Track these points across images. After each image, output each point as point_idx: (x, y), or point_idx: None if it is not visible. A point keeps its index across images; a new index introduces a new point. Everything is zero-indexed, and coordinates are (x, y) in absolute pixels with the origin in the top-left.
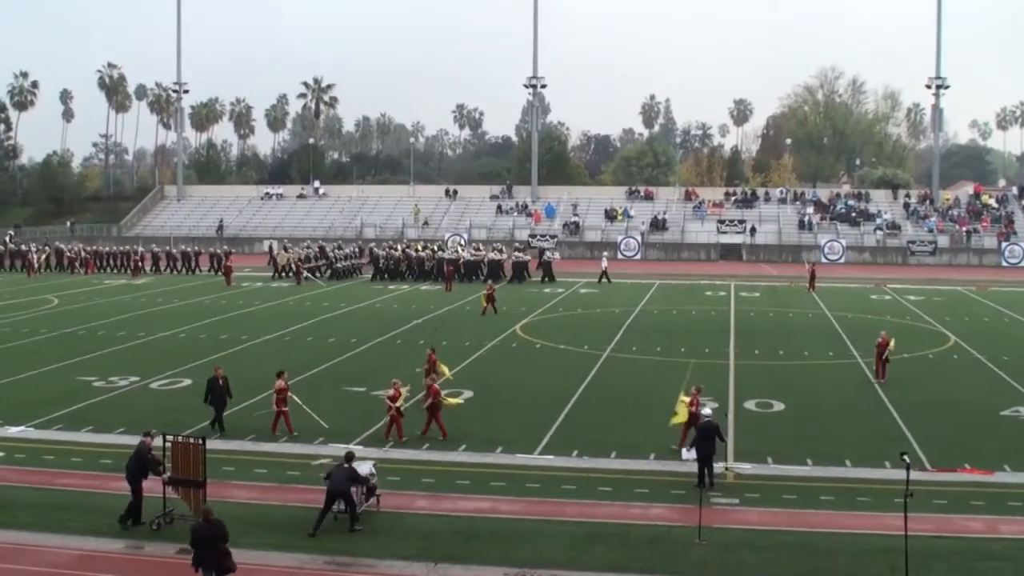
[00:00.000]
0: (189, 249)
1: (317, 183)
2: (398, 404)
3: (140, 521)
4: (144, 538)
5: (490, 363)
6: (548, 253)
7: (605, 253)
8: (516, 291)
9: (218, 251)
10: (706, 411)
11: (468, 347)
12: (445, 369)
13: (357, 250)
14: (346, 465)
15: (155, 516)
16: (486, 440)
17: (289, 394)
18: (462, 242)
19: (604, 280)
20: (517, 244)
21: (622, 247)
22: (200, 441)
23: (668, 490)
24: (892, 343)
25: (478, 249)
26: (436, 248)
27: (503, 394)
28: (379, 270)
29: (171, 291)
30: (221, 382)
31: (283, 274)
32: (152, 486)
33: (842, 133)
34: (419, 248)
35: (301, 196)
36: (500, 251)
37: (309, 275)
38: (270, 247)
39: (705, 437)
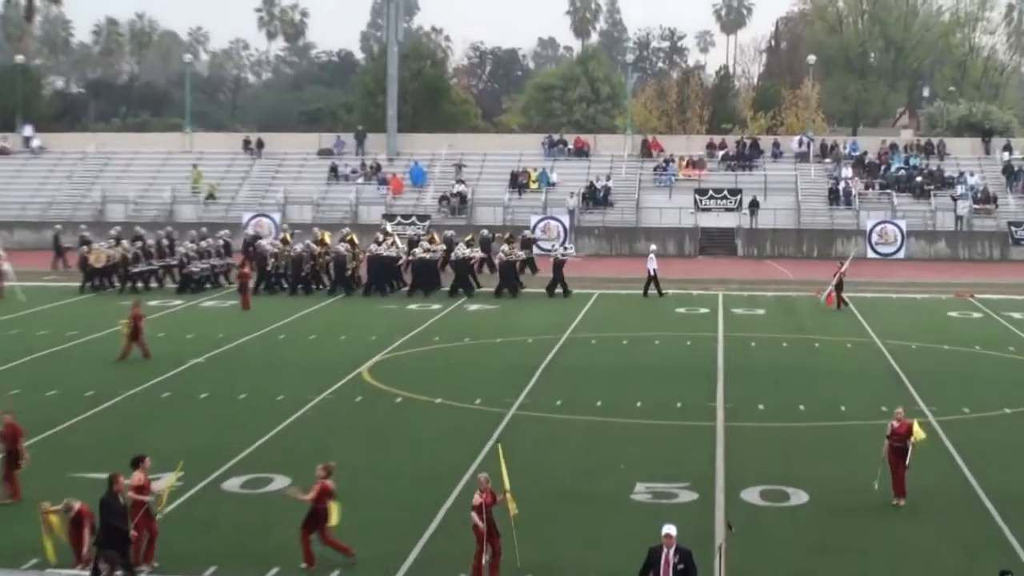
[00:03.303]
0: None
1: (29, 129)
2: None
3: None
4: None
5: (318, 430)
6: (561, 249)
7: (653, 247)
8: (362, 308)
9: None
10: (669, 529)
11: (282, 403)
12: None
13: (221, 246)
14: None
15: None
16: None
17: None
18: (308, 235)
19: (653, 291)
20: (499, 234)
21: (539, 233)
22: None
23: None
24: (917, 430)
25: (433, 241)
26: (348, 240)
27: (341, 484)
28: (266, 275)
29: None
30: (123, 501)
31: (101, 280)
32: None
33: (899, 47)
34: (323, 238)
35: (1, 152)
36: (470, 244)
37: (14, 286)
38: (55, 237)
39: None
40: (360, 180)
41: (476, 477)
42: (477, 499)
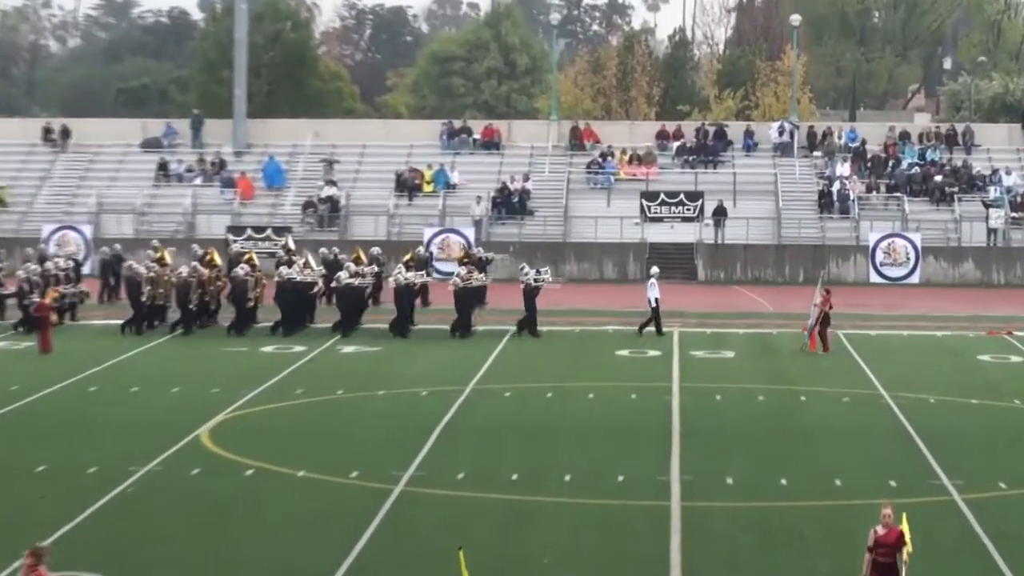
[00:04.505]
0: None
1: None
2: None
3: None
4: None
5: (142, 513)
6: (533, 273)
7: (655, 270)
8: (200, 351)
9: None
10: None
11: (95, 477)
12: None
13: (71, 268)
14: None
15: None
16: None
17: None
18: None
19: (649, 327)
20: (469, 254)
21: (435, 248)
22: None
23: None
24: (907, 535)
25: (359, 261)
26: (247, 261)
27: None
28: (141, 310)
29: None
30: None
31: None
32: None
33: (912, 4)
34: (211, 258)
35: None
36: (409, 265)
37: None
38: None
39: None
40: (198, 181)
41: None
42: None
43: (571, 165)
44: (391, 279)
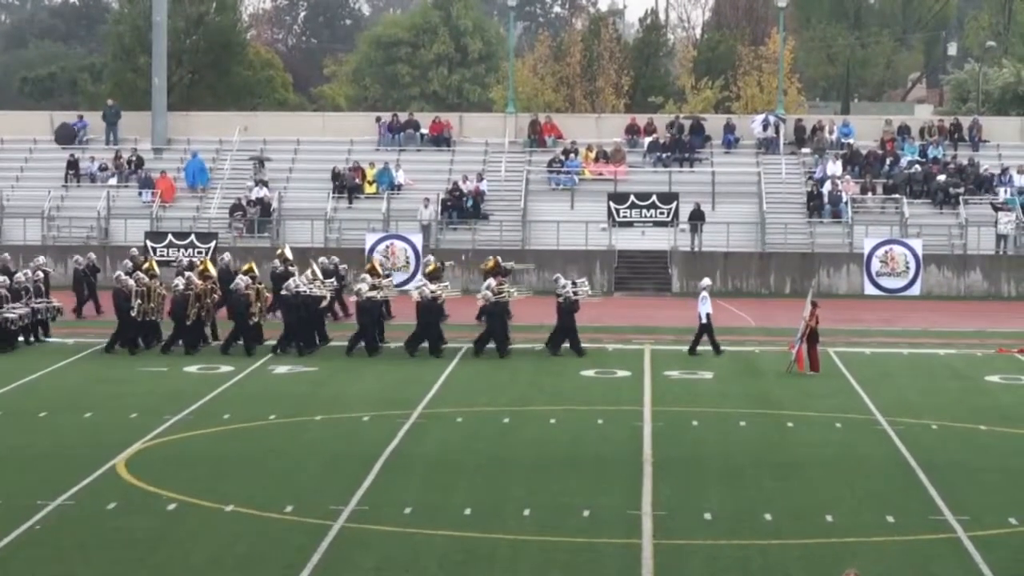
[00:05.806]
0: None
1: None
2: None
3: None
4: None
5: (51, 552)
6: (570, 287)
7: (706, 282)
8: (117, 371)
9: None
10: None
11: None
12: None
13: (40, 280)
14: None
15: None
16: None
17: None
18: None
19: (704, 346)
20: (499, 263)
21: (379, 256)
22: None
23: None
24: None
25: (375, 272)
26: (247, 272)
27: None
28: (130, 327)
29: None
30: None
31: None
32: None
33: None
34: (204, 268)
35: None
36: (434, 276)
37: None
38: None
39: None
40: (113, 181)
41: None
42: None
43: (530, 163)
44: (414, 292)
